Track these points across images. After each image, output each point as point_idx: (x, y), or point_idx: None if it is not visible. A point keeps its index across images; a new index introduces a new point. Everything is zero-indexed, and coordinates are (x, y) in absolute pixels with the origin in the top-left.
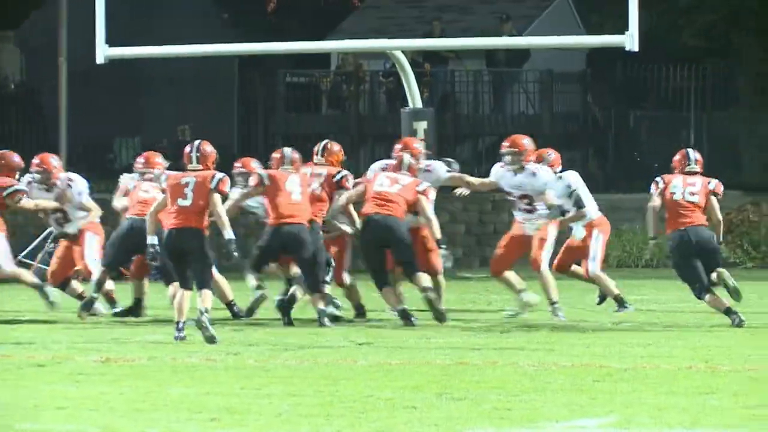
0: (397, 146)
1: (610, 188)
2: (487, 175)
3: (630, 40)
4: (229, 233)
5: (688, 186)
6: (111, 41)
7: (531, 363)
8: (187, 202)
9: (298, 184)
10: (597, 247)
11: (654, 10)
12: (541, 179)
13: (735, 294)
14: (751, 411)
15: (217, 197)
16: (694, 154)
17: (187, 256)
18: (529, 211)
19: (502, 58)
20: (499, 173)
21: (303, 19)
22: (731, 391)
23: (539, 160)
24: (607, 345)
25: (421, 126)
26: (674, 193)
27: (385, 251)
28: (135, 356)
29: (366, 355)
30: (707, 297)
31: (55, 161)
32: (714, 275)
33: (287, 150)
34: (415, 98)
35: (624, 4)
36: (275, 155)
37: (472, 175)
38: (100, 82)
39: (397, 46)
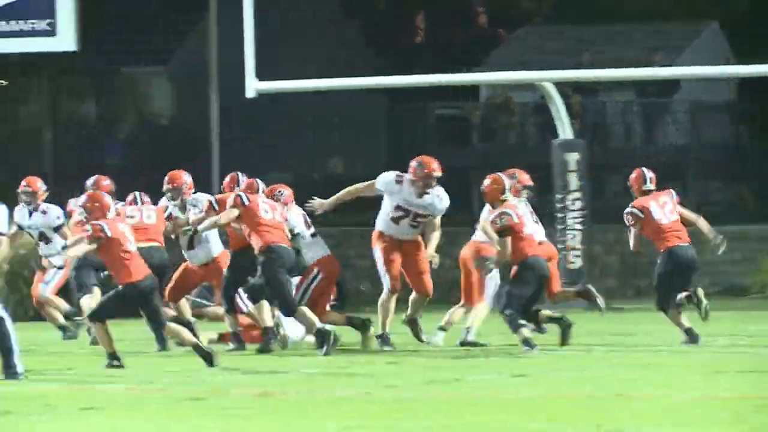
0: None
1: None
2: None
3: None
4: None
5: (664, 206)
6: (261, 74)
7: (689, 395)
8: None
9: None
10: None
11: None
12: None
13: (705, 314)
14: None
15: None
16: (648, 173)
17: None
18: None
19: (652, 88)
20: None
21: (451, 52)
22: None
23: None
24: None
25: (573, 157)
26: (660, 219)
27: None
28: (292, 389)
29: (519, 388)
30: (670, 312)
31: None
32: (687, 294)
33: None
34: (566, 129)
35: None
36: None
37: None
38: (251, 115)
39: (548, 77)
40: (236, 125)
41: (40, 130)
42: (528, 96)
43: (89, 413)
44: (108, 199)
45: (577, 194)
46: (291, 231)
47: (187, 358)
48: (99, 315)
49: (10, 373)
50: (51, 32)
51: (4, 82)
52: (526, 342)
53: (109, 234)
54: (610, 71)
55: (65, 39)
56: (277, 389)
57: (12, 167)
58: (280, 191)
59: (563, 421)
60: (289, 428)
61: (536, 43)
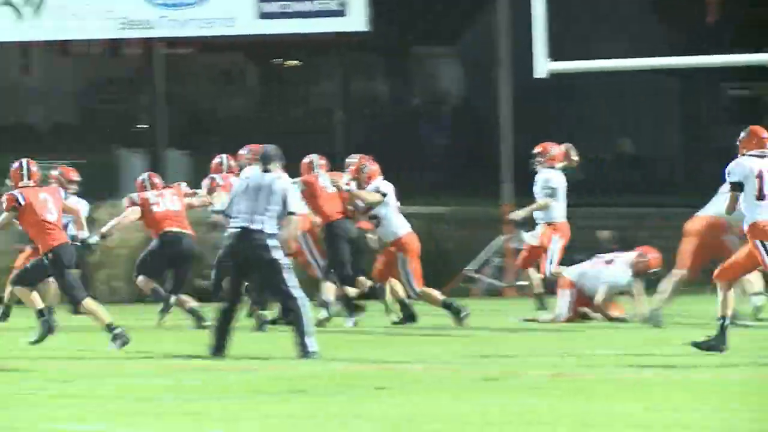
0: None
1: None
2: None
3: None
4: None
5: None
6: (551, 53)
7: None
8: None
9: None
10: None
11: None
12: None
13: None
14: None
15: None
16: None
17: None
18: None
19: None
20: None
21: (745, 31)
22: None
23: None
24: None
25: None
26: None
27: None
28: (584, 371)
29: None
30: None
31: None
32: None
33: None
34: None
35: None
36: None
37: None
38: (540, 94)
39: None
40: (527, 106)
41: (331, 110)
42: None
43: (383, 393)
44: (36, 169)
45: None
46: (382, 194)
47: (475, 340)
48: (23, 280)
49: (304, 351)
50: (341, 12)
51: (298, 62)
52: None
53: (23, 202)
54: None
55: (356, 19)
56: (570, 371)
57: (303, 147)
58: (364, 165)
59: None
60: (578, 410)
61: None
